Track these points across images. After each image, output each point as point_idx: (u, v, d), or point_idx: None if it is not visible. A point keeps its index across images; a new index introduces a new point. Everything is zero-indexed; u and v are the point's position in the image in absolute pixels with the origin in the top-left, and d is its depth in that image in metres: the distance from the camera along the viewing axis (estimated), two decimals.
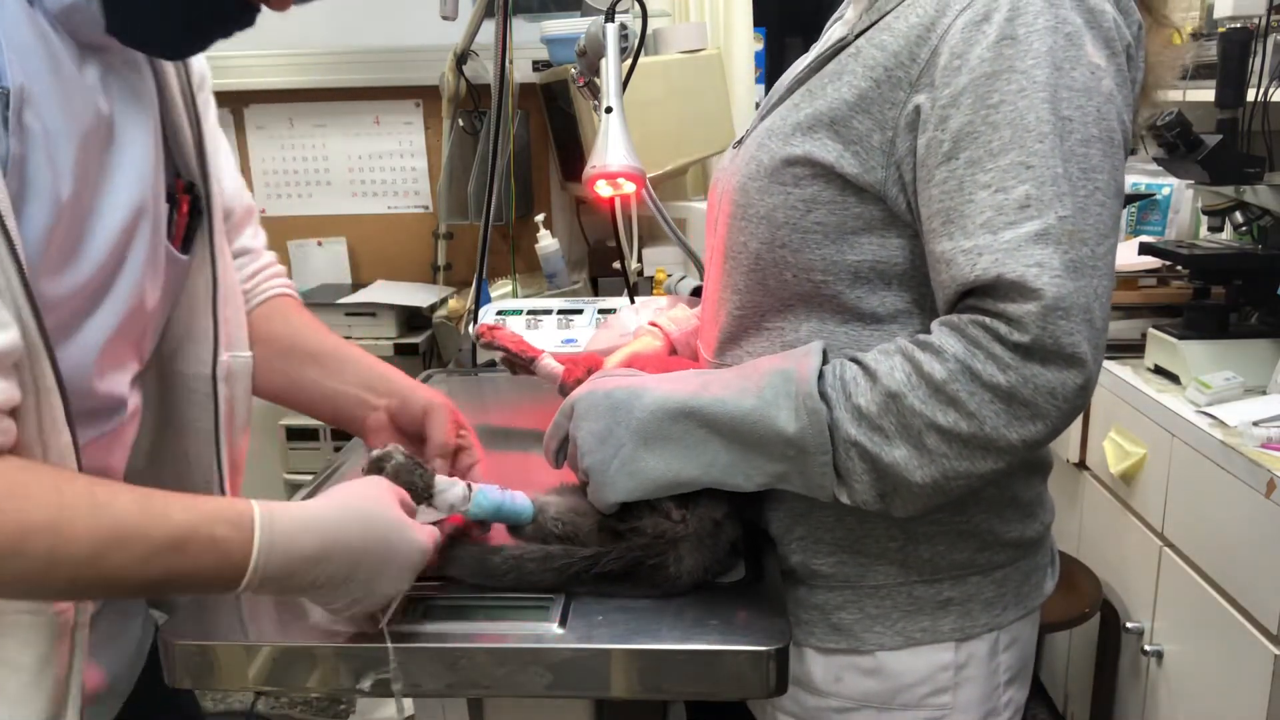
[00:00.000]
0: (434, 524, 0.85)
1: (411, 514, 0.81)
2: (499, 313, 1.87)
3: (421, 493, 0.84)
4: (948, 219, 0.78)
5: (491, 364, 1.68)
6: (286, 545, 0.72)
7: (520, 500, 0.89)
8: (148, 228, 0.83)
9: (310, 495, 1.10)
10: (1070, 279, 0.73)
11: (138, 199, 0.81)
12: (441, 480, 0.86)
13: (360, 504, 0.78)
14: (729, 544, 0.88)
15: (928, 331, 0.80)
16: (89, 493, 0.68)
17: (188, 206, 0.90)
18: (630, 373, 0.94)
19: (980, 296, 0.76)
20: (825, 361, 0.82)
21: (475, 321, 1.89)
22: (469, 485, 0.87)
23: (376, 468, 0.84)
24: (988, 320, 0.75)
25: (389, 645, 0.78)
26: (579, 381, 1.09)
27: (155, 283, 0.86)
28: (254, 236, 1.10)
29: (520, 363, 1.19)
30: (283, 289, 1.12)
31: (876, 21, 0.85)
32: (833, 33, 1.01)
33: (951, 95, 0.78)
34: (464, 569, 0.85)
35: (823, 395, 0.80)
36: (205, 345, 0.94)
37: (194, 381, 0.94)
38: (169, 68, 0.89)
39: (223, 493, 0.96)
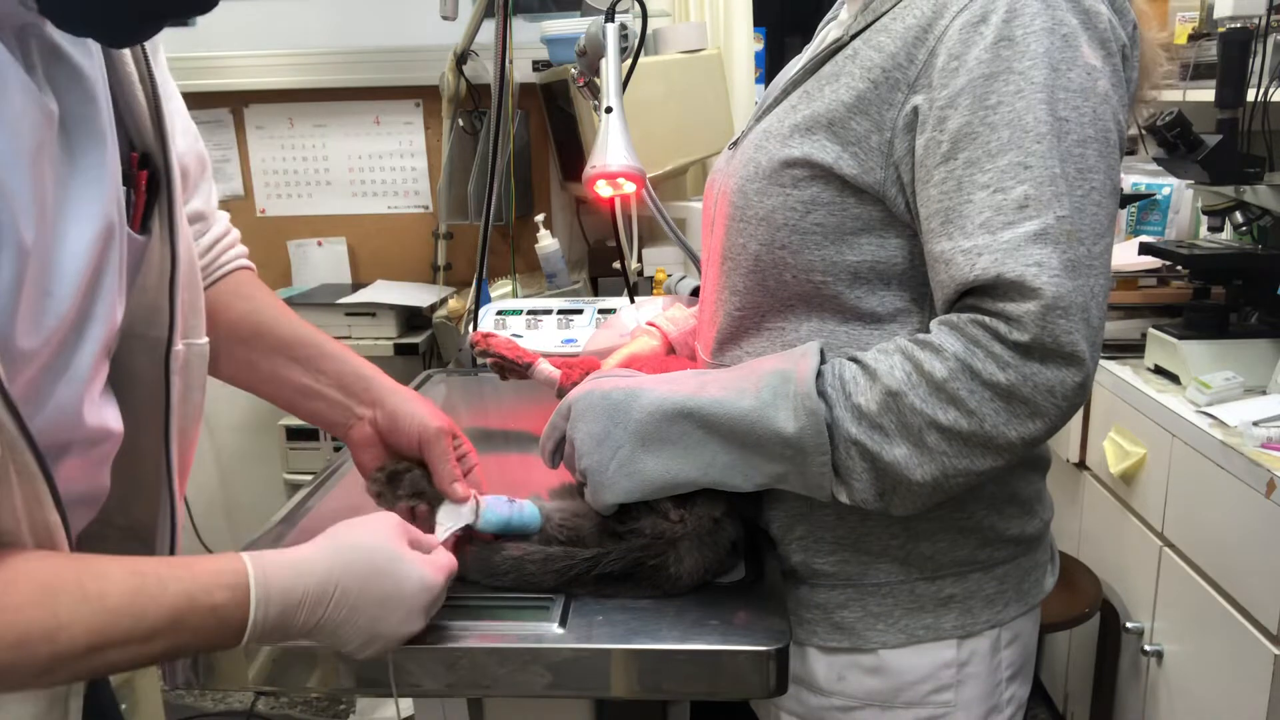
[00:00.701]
0: (455, 532, 0.85)
1: (423, 547, 0.79)
2: (499, 313, 1.87)
3: (432, 508, 0.85)
4: (946, 219, 0.78)
5: None
6: (283, 597, 0.71)
7: (528, 511, 0.89)
8: (116, 233, 0.75)
9: (310, 494, 1.10)
10: (1069, 278, 0.74)
11: (101, 207, 0.73)
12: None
13: (359, 542, 0.75)
14: (729, 543, 0.88)
15: (927, 330, 0.80)
16: (79, 586, 0.65)
17: (145, 183, 0.80)
18: (627, 373, 0.94)
19: (979, 296, 0.76)
20: (824, 361, 0.82)
21: (476, 321, 1.89)
22: (478, 500, 0.88)
23: (392, 480, 0.84)
24: (987, 319, 0.75)
25: None
26: (576, 385, 1.09)
27: (123, 284, 0.78)
28: (207, 199, 0.96)
29: (515, 369, 1.19)
30: (243, 262, 1.01)
31: (872, 23, 0.85)
32: (827, 34, 1.01)
33: (949, 96, 0.78)
34: (465, 567, 0.86)
35: (821, 394, 0.80)
36: (159, 331, 0.83)
37: (144, 372, 0.83)
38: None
39: (170, 494, 0.87)
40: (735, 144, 0.98)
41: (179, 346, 0.85)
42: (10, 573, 0.64)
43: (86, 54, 0.74)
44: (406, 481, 0.85)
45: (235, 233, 1.02)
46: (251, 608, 0.69)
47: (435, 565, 0.77)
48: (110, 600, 0.66)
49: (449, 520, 0.86)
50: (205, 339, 0.90)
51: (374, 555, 0.75)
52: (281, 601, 0.71)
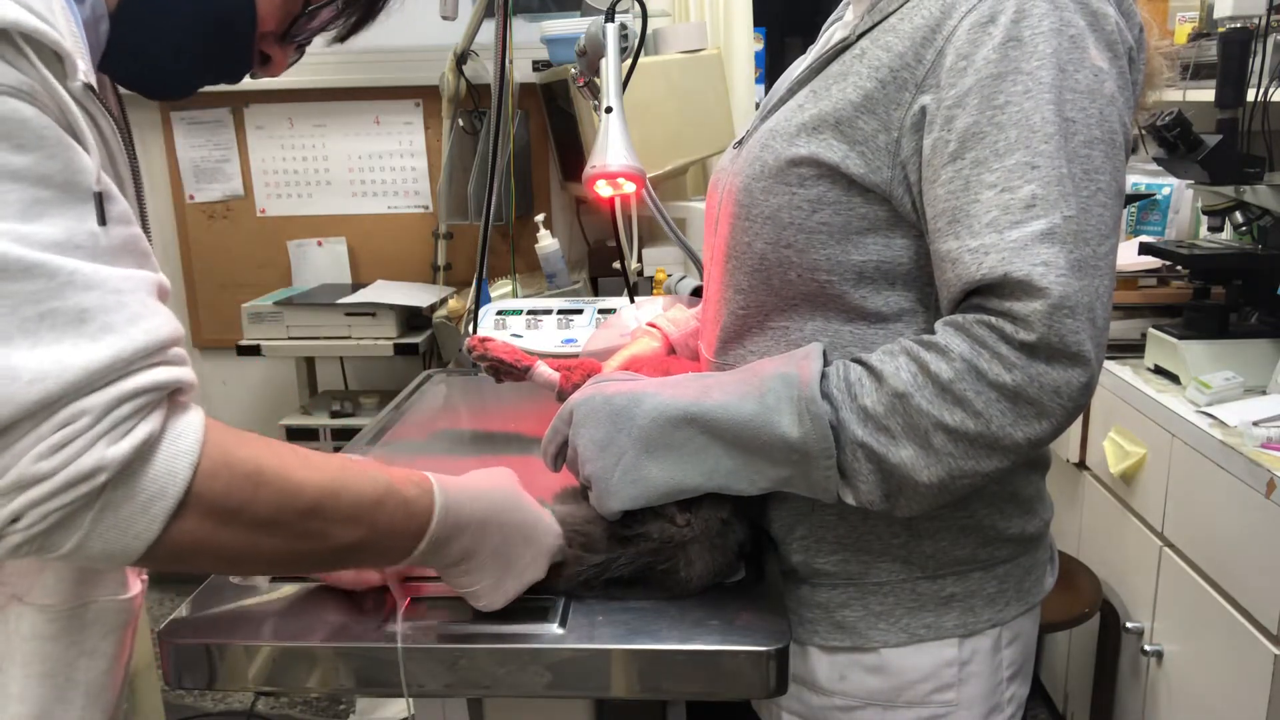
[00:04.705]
0: None
1: None
2: (499, 313, 1.87)
3: None
4: (953, 218, 0.78)
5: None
6: (457, 509, 0.76)
7: None
8: None
9: None
10: (1075, 278, 0.74)
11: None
12: None
13: (508, 486, 0.82)
14: (738, 545, 0.88)
15: (932, 330, 0.80)
16: (297, 450, 0.70)
17: None
18: (630, 376, 0.93)
19: (985, 295, 0.76)
20: (827, 363, 0.82)
21: (476, 321, 1.89)
22: None
23: None
24: (993, 319, 0.75)
25: (399, 646, 0.78)
26: (576, 387, 1.09)
27: None
28: None
29: (513, 372, 1.19)
30: None
31: (879, 23, 0.85)
32: (833, 33, 1.01)
33: (957, 96, 0.78)
34: None
35: (826, 396, 0.80)
36: None
37: None
38: (105, 82, 0.85)
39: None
40: (740, 143, 0.98)
41: None
42: (226, 429, 0.67)
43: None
44: None
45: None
46: (436, 507, 0.75)
47: (550, 518, 0.85)
48: (326, 464, 0.71)
49: None
50: None
51: (519, 496, 0.83)
52: (456, 513, 0.76)
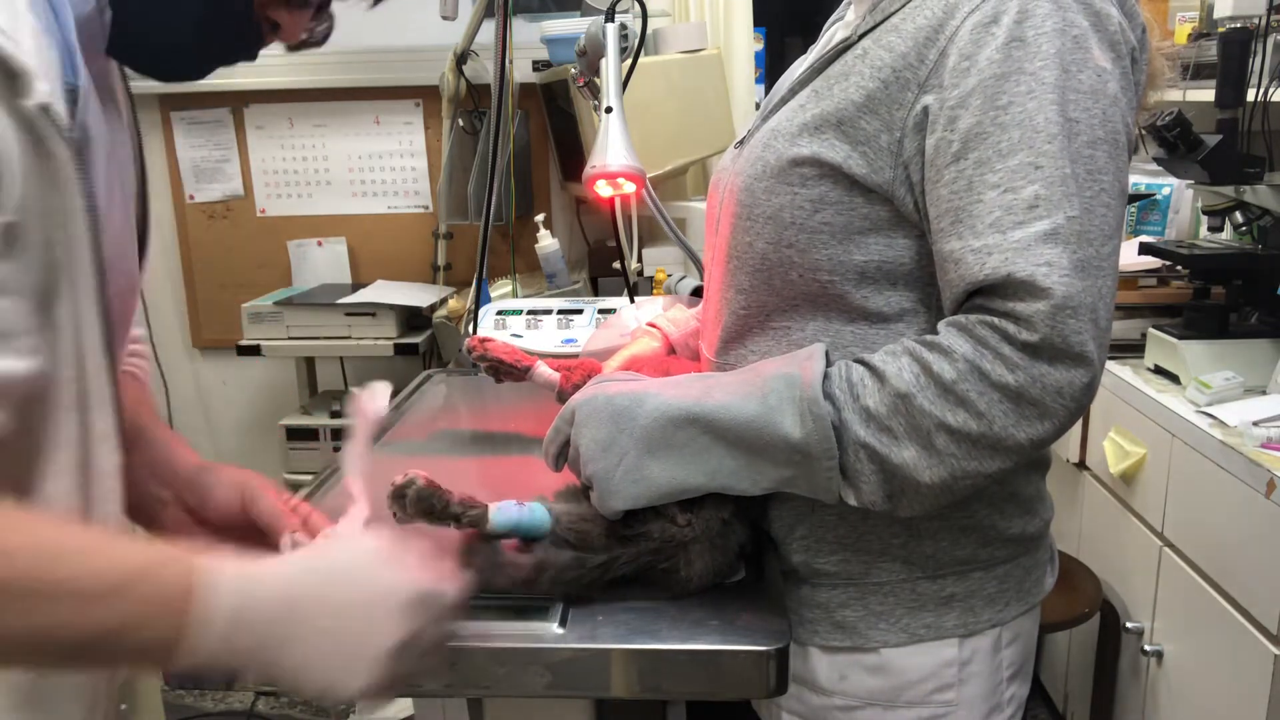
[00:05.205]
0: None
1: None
2: (499, 313, 1.86)
3: (440, 515, 0.84)
4: (956, 219, 0.78)
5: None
6: (242, 592, 0.62)
7: (538, 514, 0.88)
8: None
9: (310, 494, 1.10)
10: (1078, 278, 0.74)
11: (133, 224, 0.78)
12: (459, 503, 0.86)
13: (345, 550, 0.70)
14: (738, 545, 0.88)
15: (933, 330, 0.80)
16: (29, 517, 0.61)
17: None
18: (631, 376, 0.93)
19: (988, 296, 0.76)
20: (829, 363, 0.82)
21: (476, 321, 1.89)
22: (486, 505, 0.87)
23: (399, 496, 0.84)
24: (996, 320, 0.75)
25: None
26: (576, 387, 1.09)
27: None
28: None
29: (513, 372, 1.19)
30: (131, 368, 0.97)
31: (881, 22, 0.85)
32: (834, 33, 1.01)
33: (960, 96, 0.78)
34: (473, 583, 0.85)
35: (829, 396, 0.80)
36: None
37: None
38: (114, 72, 0.82)
39: None
40: (741, 143, 0.98)
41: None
42: None
43: (110, 96, 0.77)
44: (411, 494, 0.84)
45: (139, 346, 0.98)
46: (199, 591, 0.60)
47: (417, 570, 0.69)
48: (58, 537, 0.59)
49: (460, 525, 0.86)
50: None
51: (358, 556, 0.69)
52: (242, 597, 0.61)
